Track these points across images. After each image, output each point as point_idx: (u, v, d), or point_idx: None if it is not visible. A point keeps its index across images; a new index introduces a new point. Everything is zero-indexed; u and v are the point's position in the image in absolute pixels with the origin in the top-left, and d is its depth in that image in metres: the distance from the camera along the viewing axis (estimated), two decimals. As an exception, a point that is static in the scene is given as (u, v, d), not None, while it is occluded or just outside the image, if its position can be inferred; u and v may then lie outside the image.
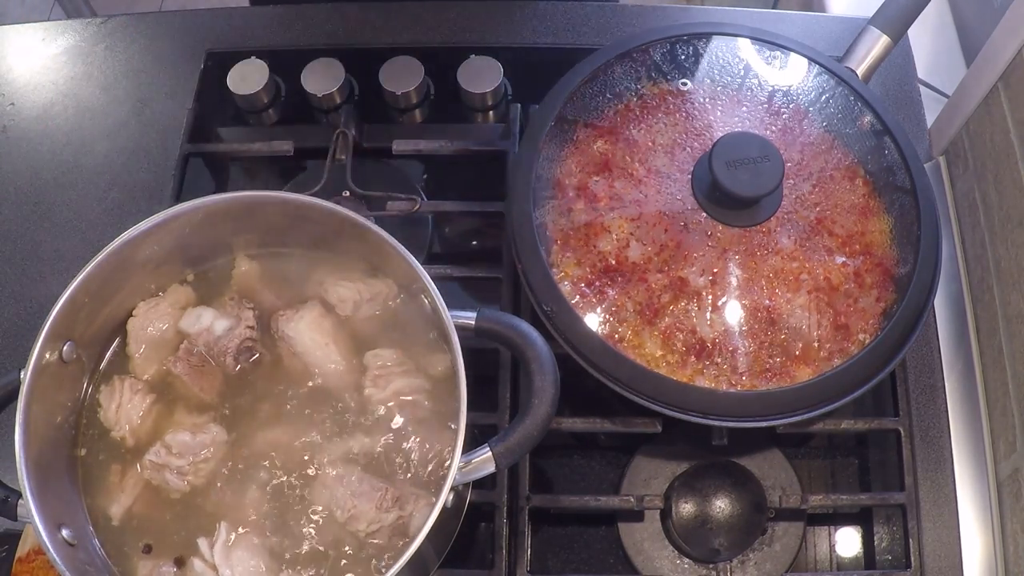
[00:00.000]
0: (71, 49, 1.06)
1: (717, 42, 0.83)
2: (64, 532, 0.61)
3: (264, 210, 0.72)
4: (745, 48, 0.83)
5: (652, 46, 0.82)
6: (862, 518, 0.81)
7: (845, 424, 0.80)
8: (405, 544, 0.60)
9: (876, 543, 0.80)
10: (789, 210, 0.75)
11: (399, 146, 0.94)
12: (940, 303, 0.88)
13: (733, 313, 0.72)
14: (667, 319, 0.72)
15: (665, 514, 0.79)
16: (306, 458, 0.68)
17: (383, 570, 0.63)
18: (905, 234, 0.75)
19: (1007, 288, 0.80)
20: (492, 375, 0.82)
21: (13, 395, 0.62)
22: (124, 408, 0.69)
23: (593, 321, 0.73)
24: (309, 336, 0.71)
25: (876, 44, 0.82)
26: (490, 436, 0.62)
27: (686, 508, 0.78)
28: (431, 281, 0.66)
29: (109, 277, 0.68)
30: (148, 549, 0.66)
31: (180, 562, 0.65)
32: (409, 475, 0.68)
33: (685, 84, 0.81)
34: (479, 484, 0.74)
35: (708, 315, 0.72)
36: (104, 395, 0.70)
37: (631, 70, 0.82)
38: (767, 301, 0.72)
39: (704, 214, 0.74)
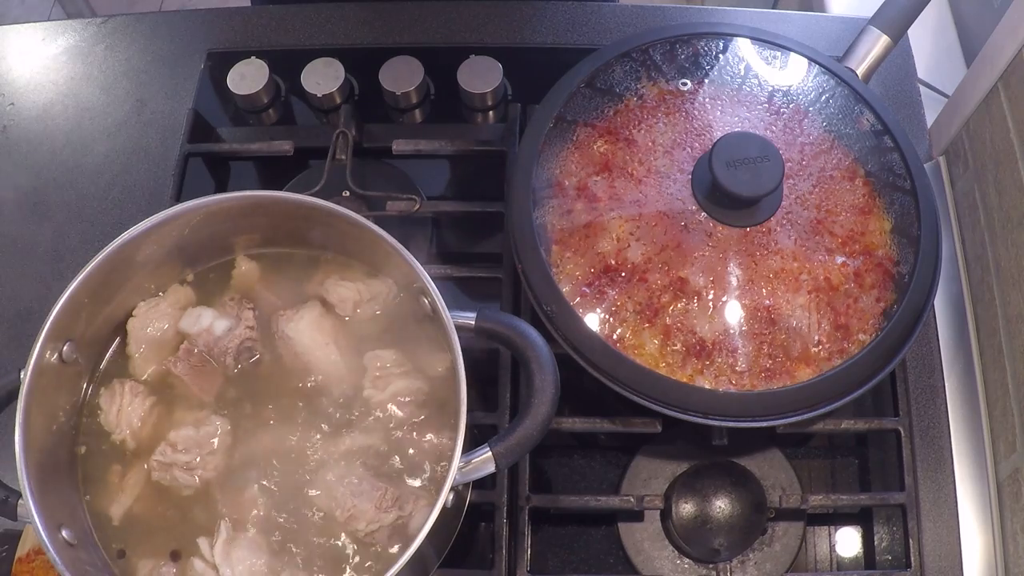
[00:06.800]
0: (71, 49, 1.06)
1: (717, 42, 0.83)
2: (64, 532, 0.61)
3: (264, 210, 0.72)
4: (745, 48, 0.83)
5: (652, 46, 0.82)
6: (862, 518, 0.81)
7: (845, 424, 0.80)
8: (405, 544, 0.60)
9: (876, 543, 0.80)
10: (789, 210, 0.75)
11: (399, 146, 0.94)
12: (940, 303, 0.88)
13: (733, 313, 0.72)
14: (667, 319, 0.72)
15: (665, 514, 0.79)
16: (306, 458, 0.68)
17: (383, 570, 0.63)
18: (905, 234, 0.75)
19: (1007, 288, 0.80)
20: (492, 375, 0.82)
21: (13, 395, 0.62)
22: (125, 411, 0.69)
23: (593, 321, 0.73)
24: (309, 336, 0.71)
25: (876, 44, 0.82)
26: (490, 436, 0.62)
27: (686, 508, 0.78)
28: (431, 281, 0.66)
29: (109, 277, 0.68)
30: (122, 554, 0.66)
31: (176, 556, 0.65)
32: (409, 475, 0.68)
33: (685, 84, 0.81)
34: (479, 484, 0.74)
35: (708, 315, 0.72)
36: (104, 398, 0.70)
37: (631, 70, 0.82)
38: (767, 301, 0.72)
39: (704, 214, 0.74)
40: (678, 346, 0.72)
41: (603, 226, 0.75)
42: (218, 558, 0.64)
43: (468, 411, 0.62)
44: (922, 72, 1.01)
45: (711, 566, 0.78)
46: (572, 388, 0.69)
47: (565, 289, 0.73)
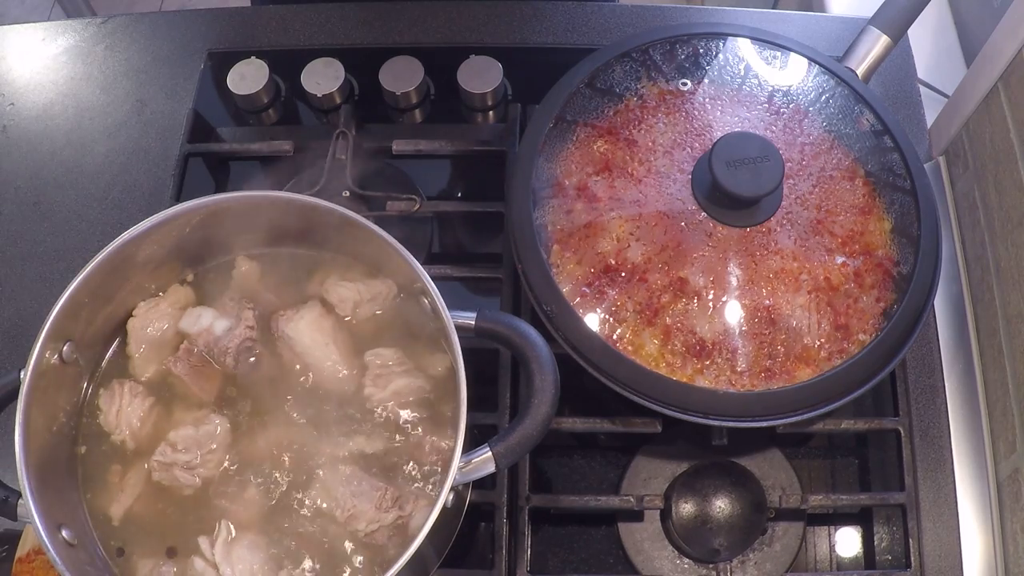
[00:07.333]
0: (71, 49, 1.06)
1: (717, 42, 0.83)
2: (64, 532, 0.61)
3: (264, 210, 0.72)
4: (745, 48, 0.83)
5: (652, 46, 0.82)
6: (862, 518, 0.81)
7: (845, 424, 0.80)
8: (405, 544, 0.60)
9: (876, 543, 0.80)
10: (789, 210, 0.75)
11: (399, 146, 0.94)
12: (940, 303, 0.88)
13: (733, 313, 0.72)
14: (667, 319, 0.72)
15: (665, 514, 0.79)
16: (306, 457, 0.68)
17: (383, 570, 0.63)
18: (905, 234, 0.75)
19: (1007, 288, 0.80)
20: (492, 375, 0.82)
21: (13, 395, 0.62)
22: (124, 412, 0.69)
23: (593, 321, 0.73)
24: (309, 336, 0.71)
25: (876, 44, 0.82)
26: (490, 436, 0.62)
27: (686, 508, 0.78)
28: (431, 281, 0.66)
29: (109, 277, 0.68)
30: (121, 552, 0.66)
31: (172, 552, 0.65)
32: (409, 475, 0.68)
33: (685, 84, 0.81)
34: (479, 484, 0.74)
35: (708, 315, 0.72)
36: (104, 399, 0.70)
37: (631, 70, 0.82)
38: (767, 301, 0.72)
39: (704, 214, 0.74)
40: (678, 346, 0.72)
41: (603, 226, 0.75)
42: (218, 557, 0.64)
43: (468, 411, 0.62)
44: (922, 72, 1.01)
45: (711, 566, 0.78)
46: (572, 388, 0.69)
47: (565, 289, 0.73)
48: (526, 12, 1.06)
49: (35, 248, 0.95)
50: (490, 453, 0.61)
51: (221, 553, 0.64)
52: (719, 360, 0.71)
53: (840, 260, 0.74)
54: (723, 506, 0.78)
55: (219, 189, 0.98)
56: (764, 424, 0.72)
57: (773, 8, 1.54)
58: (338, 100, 0.99)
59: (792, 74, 0.82)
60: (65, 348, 0.66)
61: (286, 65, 1.01)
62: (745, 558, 0.78)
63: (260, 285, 0.75)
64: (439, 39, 1.04)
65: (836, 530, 0.81)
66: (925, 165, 0.81)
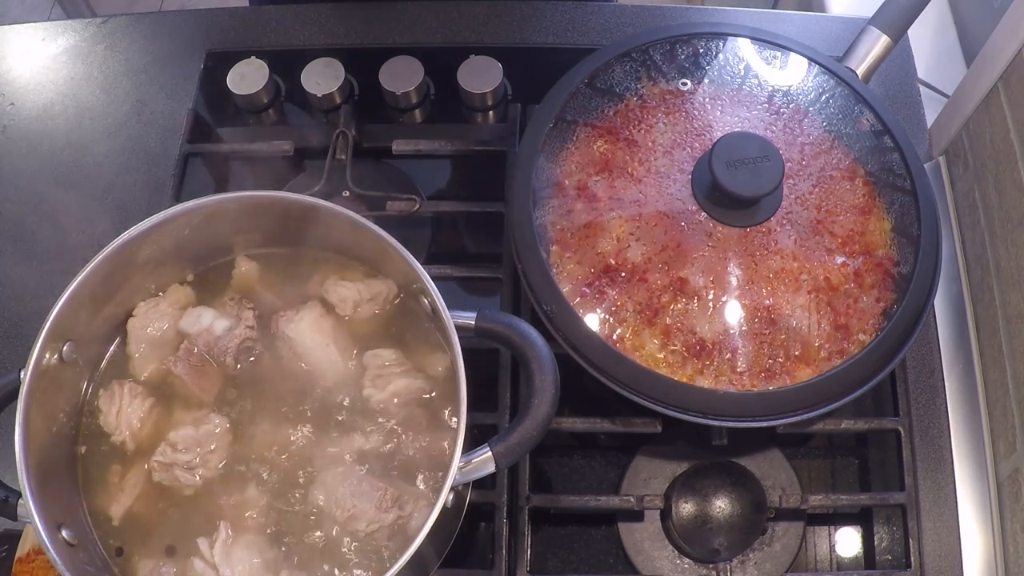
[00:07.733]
0: (71, 49, 1.06)
1: (717, 42, 0.83)
2: (64, 532, 0.61)
3: (264, 210, 0.72)
4: (745, 48, 0.83)
5: (652, 46, 0.82)
6: (862, 518, 0.81)
7: (845, 424, 0.80)
8: (405, 544, 0.60)
9: (876, 543, 0.80)
10: (789, 210, 0.75)
11: (399, 146, 0.94)
12: (940, 303, 0.88)
13: (733, 313, 0.72)
14: (667, 319, 0.72)
15: (665, 514, 0.79)
16: (306, 458, 0.68)
17: (383, 570, 0.63)
18: (905, 234, 0.75)
19: (1007, 288, 0.80)
20: (492, 375, 0.82)
21: (13, 395, 0.62)
22: (124, 412, 0.69)
23: (593, 321, 0.73)
24: (309, 336, 0.71)
25: (876, 44, 0.82)
26: (490, 436, 0.62)
27: (686, 508, 0.78)
28: (431, 281, 0.66)
29: (109, 277, 0.68)
30: (120, 552, 0.66)
31: (171, 551, 0.65)
32: (409, 475, 0.68)
33: (685, 84, 0.81)
34: (479, 484, 0.74)
35: (708, 315, 0.72)
36: (103, 400, 0.70)
37: (631, 70, 0.82)
38: (767, 301, 0.72)
39: (704, 214, 0.74)
40: (678, 346, 0.72)
41: (603, 226, 0.75)
42: (218, 558, 0.64)
43: (468, 411, 0.62)
44: (922, 72, 1.01)
45: (711, 566, 0.78)
46: (572, 388, 0.69)
47: (565, 289, 0.73)
48: (526, 12, 1.06)
49: (35, 248, 0.95)
50: (490, 453, 0.61)
51: (221, 554, 0.64)
52: (719, 360, 0.71)
53: (840, 260, 0.74)
54: (723, 506, 0.78)
55: (219, 189, 0.98)
56: (764, 424, 0.72)
57: (773, 8, 1.54)
58: (338, 100, 0.99)
59: (792, 74, 0.82)
60: (65, 348, 0.66)
61: (286, 65, 1.01)
62: (745, 558, 0.78)
63: (260, 285, 0.75)
64: (439, 39, 1.04)
65: (836, 530, 0.81)
66: (925, 165, 0.81)
